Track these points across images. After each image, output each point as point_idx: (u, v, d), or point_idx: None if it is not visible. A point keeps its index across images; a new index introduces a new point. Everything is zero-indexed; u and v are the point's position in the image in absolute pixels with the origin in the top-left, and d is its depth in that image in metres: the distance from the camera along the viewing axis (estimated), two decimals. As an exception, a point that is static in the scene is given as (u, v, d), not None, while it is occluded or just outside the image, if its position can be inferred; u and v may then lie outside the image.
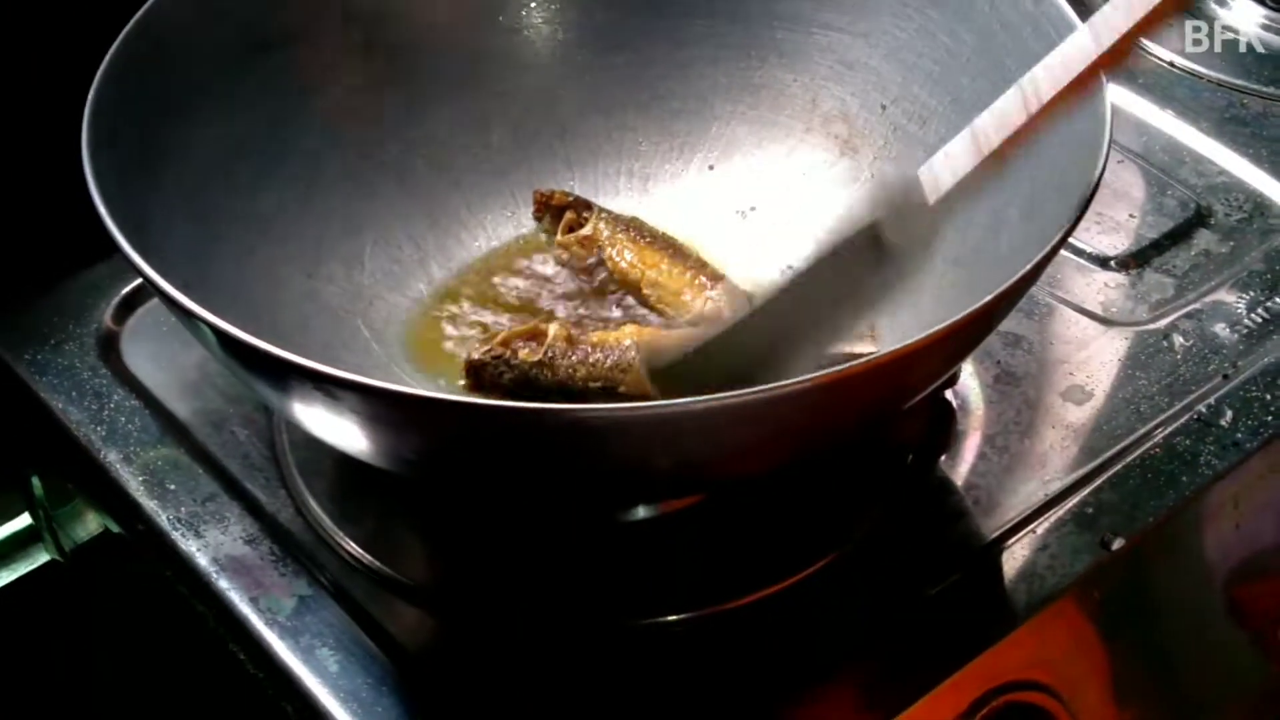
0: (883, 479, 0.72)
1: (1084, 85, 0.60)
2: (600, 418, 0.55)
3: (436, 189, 0.79)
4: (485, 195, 0.80)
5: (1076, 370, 0.76)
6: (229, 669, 0.67)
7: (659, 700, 0.63)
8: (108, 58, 0.66)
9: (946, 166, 0.62)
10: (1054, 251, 0.59)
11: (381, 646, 0.65)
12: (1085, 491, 0.70)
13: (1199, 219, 0.84)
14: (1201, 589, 0.75)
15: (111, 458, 0.73)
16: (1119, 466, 0.71)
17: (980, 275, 0.69)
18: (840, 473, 0.71)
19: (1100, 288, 0.80)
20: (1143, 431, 0.73)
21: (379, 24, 0.78)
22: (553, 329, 0.71)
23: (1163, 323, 0.78)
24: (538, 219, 0.80)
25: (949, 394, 0.74)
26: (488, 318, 0.76)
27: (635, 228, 0.78)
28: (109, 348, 0.78)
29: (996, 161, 0.61)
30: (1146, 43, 0.92)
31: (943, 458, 0.72)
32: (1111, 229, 0.83)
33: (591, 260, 0.77)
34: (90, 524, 0.80)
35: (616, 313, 0.76)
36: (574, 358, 0.70)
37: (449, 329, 0.75)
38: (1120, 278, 0.81)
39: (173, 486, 0.71)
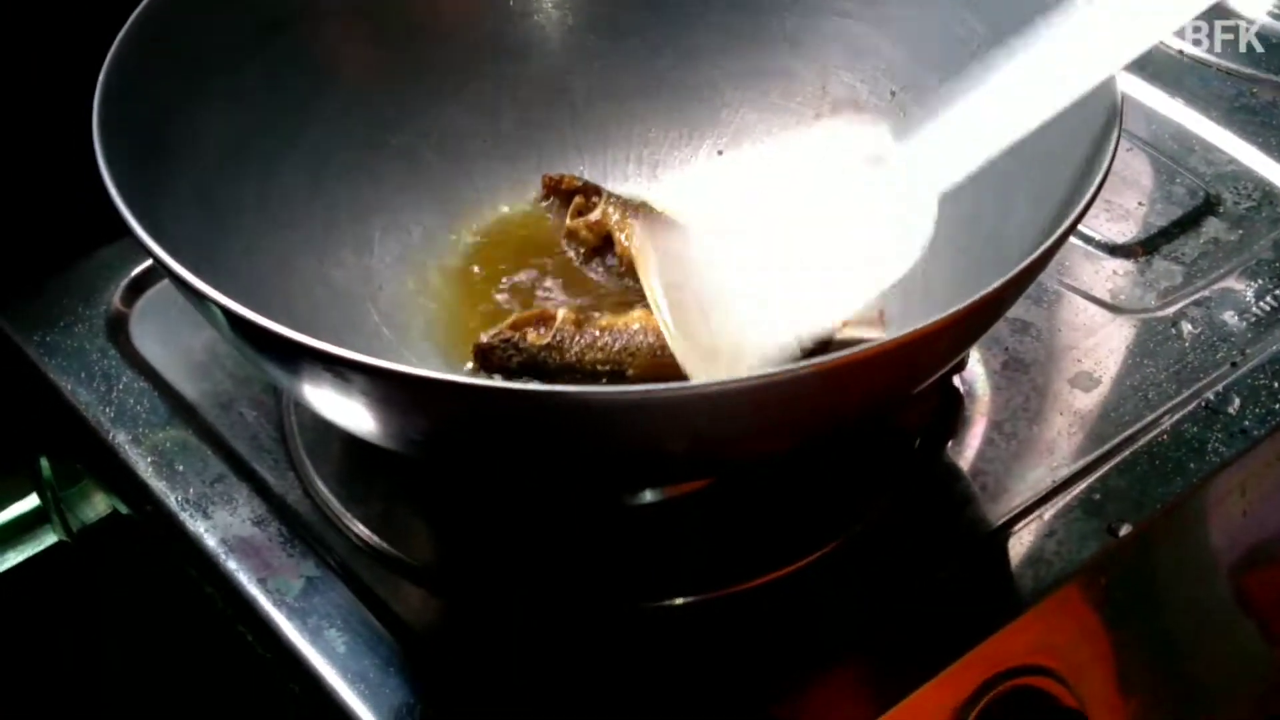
0: (890, 464, 0.72)
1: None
2: (608, 400, 0.55)
3: (446, 174, 0.79)
4: (494, 181, 0.80)
5: (1084, 357, 0.76)
6: (237, 650, 0.67)
7: (664, 682, 0.63)
8: (119, 39, 0.66)
9: None
10: (1063, 239, 0.59)
11: (389, 627, 0.65)
12: (1092, 478, 0.70)
13: (1208, 207, 0.84)
14: (1208, 576, 0.75)
15: (120, 439, 0.73)
16: (1127, 453, 0.71)
17: (989, 262, 0.69)
18: (847, 458, 0.71)
19: (1109, 275, 0.80)
20: (1151, 419, 0.73)
21: (388, 8, 0.78)
22: (561, 312, 0.71)
23: (1171, 310, 0.78)
24: (545, 202, 0.80)
25: (957, 380, 0.75)
26: (497, 300, 0.76)
27: (644, 212, 0.78)
28: (118, 329, 0.78)
29: None
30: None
31: (950, 444, 0.72)
32: (1120, 217, 0.83)
33: (600, 244, 0.77)
34: (98, 505, 0.80)
35: (625, 295, 0.76)
36: (582, 341, 0.70)
37: (459, 312, 0.75)
38: (1129, 265, 0.81)
39: (181, 468, 0.71)
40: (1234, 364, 0.75)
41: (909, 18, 0.77)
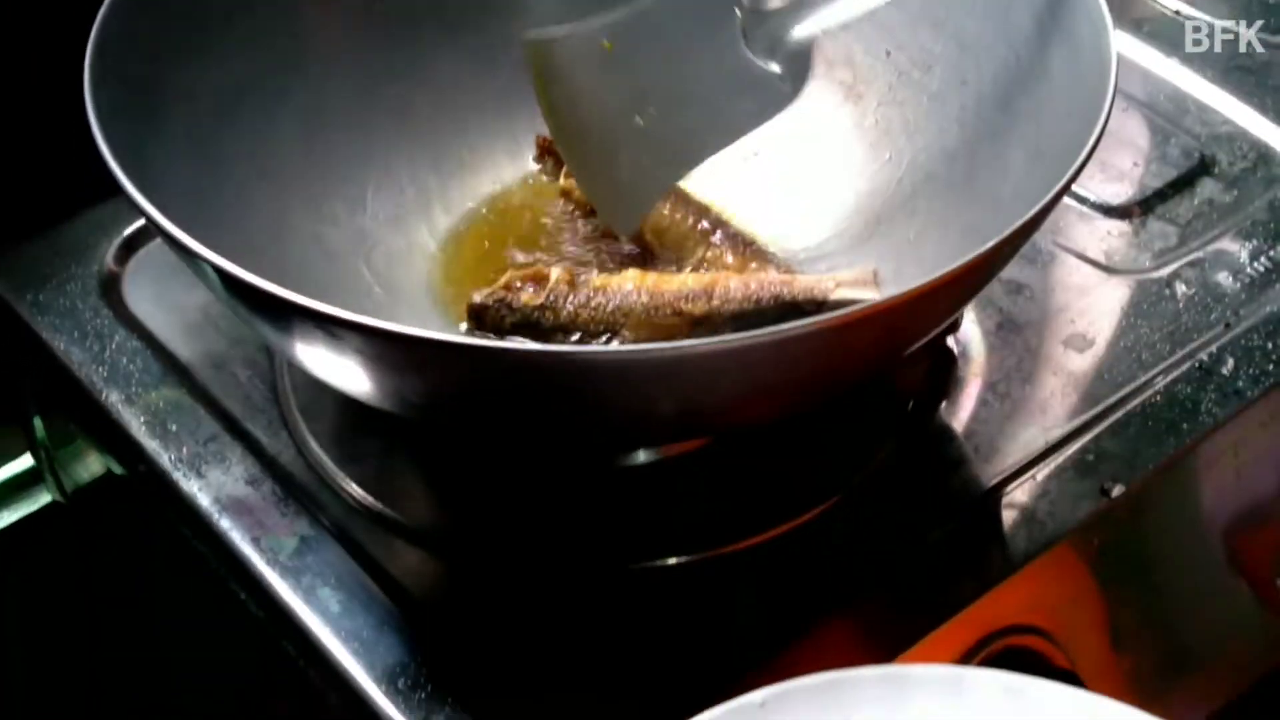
0: (883, 426, 0.72)
1: None
2: (601, 360, 0.55)
3: (440, 131, 0.79)
4: (489, 138, 0.80)
5: (1078, 318, 0.76)
6: (230, 609, 0.68)
7: (658, 642, 0.64)
8: (110, -4, 0.66)
9: None
10: (1056, 199, 0.59)
11: (383, 587, 0.65)
12: (1085, 439, 0.70)
13: (1203, 168, 0.84)
14: (1200, 537, 0.75)
15: (113, 398, 0.73)
16: (1120, 414, 0.71)
17: (983, 221, 0.69)
18: (841, 419, 0.71)
19: (1103, 236, 0.80)
20: (1144, 379, 0.73)
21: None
22: (555, 272, 0.71)
23: (1165, 271, 0.78)
24: (540, 163, 0.79)
25: (950, 341, 0.74)
26: (491, 260, 0.76)
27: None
28: (111, 289, 0.78)
29: None
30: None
31: (943, 404, 0.72)
32: (1115, 177, 0.83)
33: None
34: (92, 465, 0.80)
35: (619, 255, 0.76)
36: (576, 301, 0.70)
37: (452, 271, 0.75)
38: (1123, 226, 0.81)
39: (174, 427, 0.71)
40: (1227, 325, 0.75)
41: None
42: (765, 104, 0.74)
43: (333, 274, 0.72)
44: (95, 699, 0.91)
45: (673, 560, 0.66)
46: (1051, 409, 0.72)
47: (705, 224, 0.76)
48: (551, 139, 0.76)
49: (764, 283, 0.70)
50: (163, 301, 0.77)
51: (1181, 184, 0.83)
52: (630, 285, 0.70)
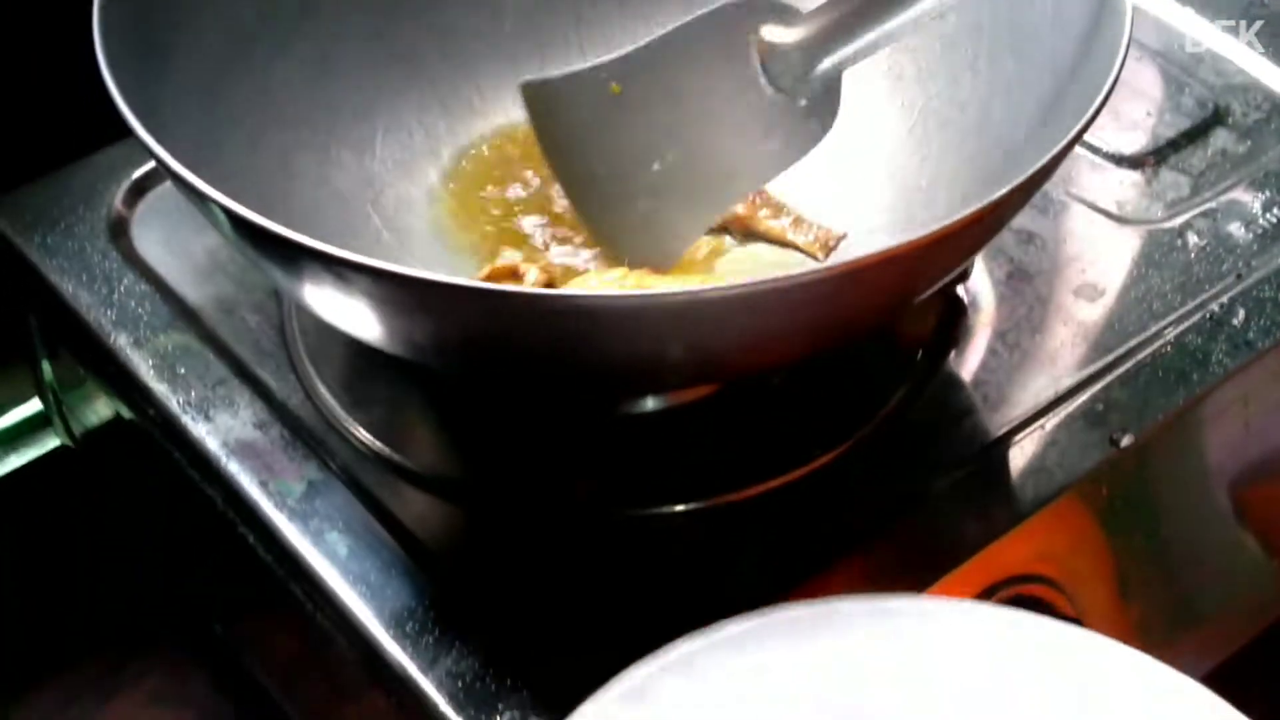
0: (892, 374, 0.72)
1: None
2: (611, 304, 0.55)
3: (449, 76, 0.78)
4: (498, 83, 0.79)
5: (1089, 268, 0.76)
6: (238, 553, 0.68)
7: (664, 587, 0.64)
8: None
9: None
10: (1068, 148, 0.58)
11: (391, 532, 0.65)
12: (1095, 388, 0.70)
13: (1217, 118, 0.83)
14: (1209, 488, 0.75)
15: (121, 342, 0.73)
16: (1130, 364, 0.71)
17: (995, 170, 0.69)
18: (849, 368, 0.71)
19: (1115, 186, 0.80)
20: (1154, 329, 0.72)
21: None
22: (531, 273, 0.70)
23: (1177, 221, 0.78)
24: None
25: (960, 290, 0.74)
26: (498, 206, 0.76)
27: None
28: (119, 232, 0.77)
29: None
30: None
31: (953, 354, 0.72)
32: (1128, 127, 0.82)
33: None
34: (101, 409, 0.80)
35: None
36: None
37: (461, 216, 0.75)
38: (1136, 176, 0.80)
39: (183, 371, 0.71)
40: (1239, 276, 0.75)
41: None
42: (793, 142, 0.72)
43: (341, 218, 0.72)
44: (100, 643, 0.91)
45: (680, 507, 0.66)
46: (1061, 359, 0.71)
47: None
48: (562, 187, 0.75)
49: None
50: (171, 245, 0.77)
51: (1195, 134, 0.82)
52: (615, 289, 0.69)
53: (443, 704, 0.60)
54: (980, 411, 0.70)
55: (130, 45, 0.62)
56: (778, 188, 0.75)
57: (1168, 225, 0.78)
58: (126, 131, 0.58)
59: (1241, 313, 0.73)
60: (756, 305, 0.55)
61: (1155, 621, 0.74)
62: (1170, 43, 0.87)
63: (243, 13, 0.71)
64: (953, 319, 0.73)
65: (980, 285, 0.75)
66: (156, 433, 0.71)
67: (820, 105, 0.72)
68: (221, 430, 0.69)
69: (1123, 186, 0.80)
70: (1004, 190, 0.56)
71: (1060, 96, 0.66)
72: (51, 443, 0.88)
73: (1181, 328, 0.73)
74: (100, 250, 0.76)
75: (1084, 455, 0.68)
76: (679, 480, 0.67)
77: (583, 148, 0.74)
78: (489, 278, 0.70)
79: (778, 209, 0.74)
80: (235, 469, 0.68)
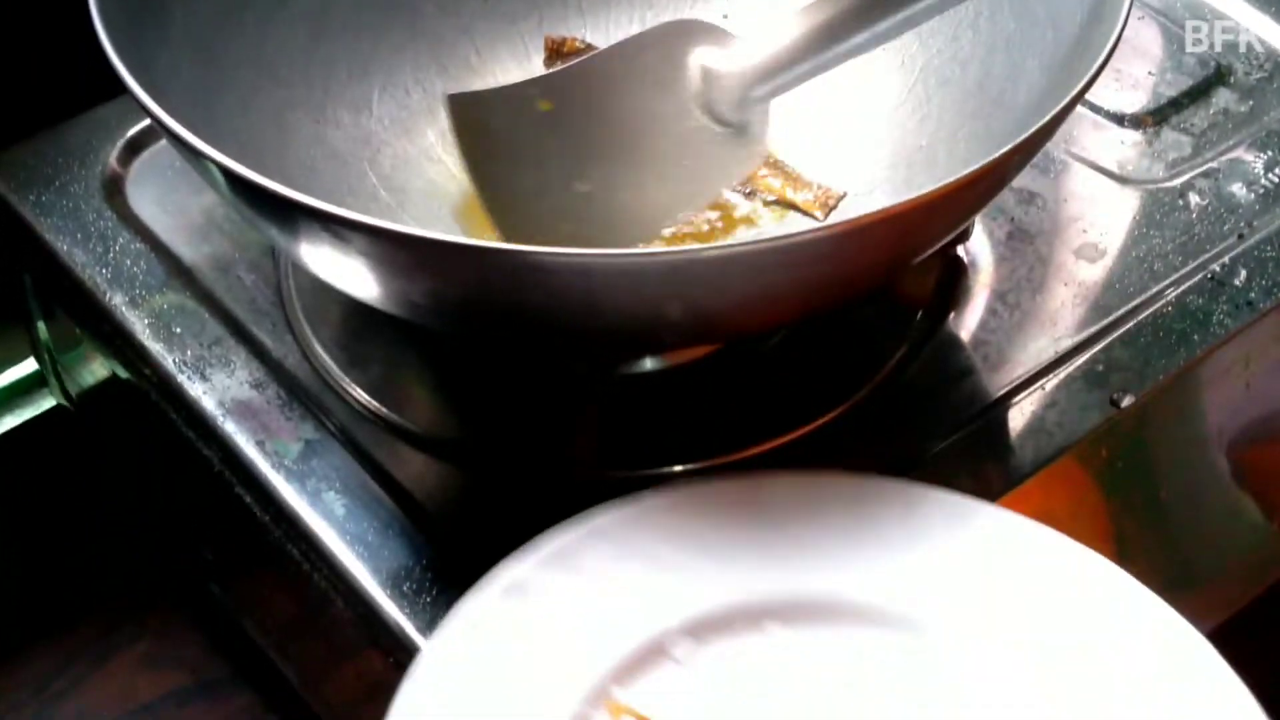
0: (892, 335, 0.71)
1: None
2: (609, 262, 0.55)
3: (446, 34, 0.78)
4: (495, 41, 0.79)
5: (1090, 228, 0.75)
6: (235, 513, 0.68)
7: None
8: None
9: None
10: (1070, 108, 0.58)
11: (388, 491, 0.65)
12: (1096, 349, 0.70)
13: (1218, 77, 0.83)
14: (1209, 449, 0.75)
15: (117, 301, 0.72)
16: (1130, 324, 0.71)
17: (996, 128, 0.68)
18: (849, 328, 0.70)
19: (1116, 145, 0.79)
20: (1155, 290, 0.72)
21: None
22: None
23: (1179, 181, 0.77)
24: (548, 66, 0.78)
25: (961, 250, 0.74)
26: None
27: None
28: (114, 190, 0.77)
29: None
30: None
31: (952, 314, 0.72)
32: (1130, 86, 0.82)
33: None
34: (96, 369, 0.80)
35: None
36: None
37: (457, 176, 0.75)
38: (1137, 135, 0.80)
39: (179, 330, 0.71)
40: (1241, 236, 0.75)
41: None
42: (722, 170, 0.72)
43: (337, 177, 0.72)
44: (96, 605, 0.91)
45: (678, 468, 0.66)
46: (1062, 319, 0.71)
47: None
48: (480, 200, 0.73)
49: None
50: (167, 203, 0.77)
51: (1196, 93, 0.82)
52: None
53: (440, 664, 0.60)
54: (980, 372, 0.70)
55: (125, 2, 0.62)
56: (778, 146, 0.75)
57: (1169, 185, 0.77)
58: (121, 89, 0.57)
59: (1243, 273, 0.73)
60: (755, 264, 0.55)
61: (1154, 583, 0.73)
62: (1172, 1, 0.86)
63: (238, -31, 0.70)
64: (953, 279, 0.73)
65: (980, 245, 0.75)
66: (153, 393, 0.71)
67: (750, 132, 0.73)
68: (218, 390, 0.69)
69: (1124, 146, 0.79)
70: (1005, 149, 0.56)
71: (1062, 55, 0.66)
72: (47, 403, 0.88)
73: (1183, 288, 0.72)
74: (95, 209, 0.76)
75: (1084, 416, 0.67)
76: (677, 441, 0.67)
77: (508, 164, 0.73)
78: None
79: (778, 167, 0.74)
80: (232, 429, 0.67)
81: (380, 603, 0.61)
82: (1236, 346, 0.71)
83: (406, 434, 0.67)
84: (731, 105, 0.72)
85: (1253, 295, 0.72)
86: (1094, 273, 0.73)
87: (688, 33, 0.73)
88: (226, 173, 0.55)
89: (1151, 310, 0.71)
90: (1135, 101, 0.81)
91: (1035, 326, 0.71)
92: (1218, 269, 0.73)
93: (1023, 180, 0.76)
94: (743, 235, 0.72)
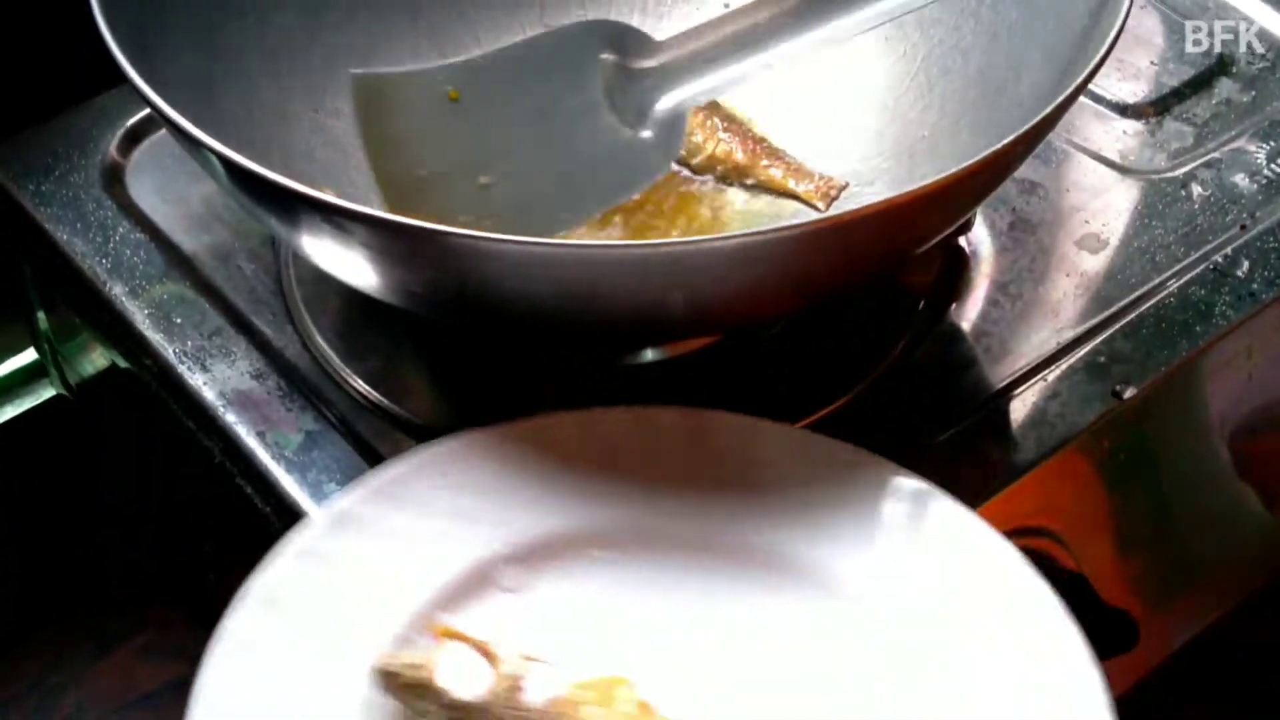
0: (894, 326, 0.71)
1: None
2: (613, 255, 0.55)
3: (446, 23, 0.77)
4: (496, 30, 0.78)
5: (1092, 218, 0.75)
6: (236, 504, 0.67)
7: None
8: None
9: None
10: (1073, 98, 0.58)
11: (388, 482, 0.65)
12: (1098, 340, 0.70)
13: (1221, 67, 0.82)
14: (1212, 441, 0.74)
15: (117, 291, 0.72)
16: (1133, 315, 0.71)
17: (998, 118, 0.68)
18: (851, 319, 0.70)
19: (1118, 135, 0.79)
20: (1158, 281, 0.72)
21: None
22: None
23: (1181, 172, 0.77)
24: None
25: (963, 241, 0.74)
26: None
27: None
28: (114, 179, 0.77)
29: None
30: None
31: (954, 305, 0.72)
32: (1132, 76, 0.82)
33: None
34: (97, 359, 0.80)
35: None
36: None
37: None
38: (1139, 125, 0.80)
39: (179, 320, 0.71)
40: (1243, 226, 0.74)
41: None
42: (629, 174, 0.71)
43: (338, 167, 0.72)
44: (95, 595, 0.91)
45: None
46: (1064, 310, 0.71)
47: (715, 120, 0.75)
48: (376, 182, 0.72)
49: None
50: (166, 193, 0.76)
51: (1199, 83, 0.82)
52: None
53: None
54: (982, 363, 0.70)
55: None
56: (778, 135, 0.75)
57: (1171, 175, 0.77)
58: (121, 78, 0.57)
59: (1246, 264, 0.73)
60: (756, 255, 0.55)
61: (1157, 574, 0.74)
62: (1174, -10, 0.87)
63: (237, -42, 0.70)
64: (954, 270, 0.73)
65: (982, 236, 0.74)
66: (153, 383, 0.70)
67: (662, 139, 0.72)
68: (218, 380, 0.68)
69: (1126, 136, 0.79)
70: (1007, 140, 0.56)
71: (1064, 44, 0.66)
72: (47, 393, 0.88)
73: (1185, 279, 0.72)
74: (95, 198, 0.76)
75: (1086, 407, 0.67)
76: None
77: (408, 150, 0.72)
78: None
79: (779, 157, 0.74)
80: (232, 419, 0.67)
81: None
82: (1239, 338, 0.71)
83: (408, 425, 0.67)
84: (642, 109, 0.72)
85: (1255, 286, 0.72)
86: (1096, 263, 0.73)
87: (603, 33, 0.73)
88: (226, 163, 0.54)
89: (1154, 301, 0.71)
90: (1137, 91, 0.81)
91: (1037, 317, 0.71)
92: (1220, 260, 0.73)
93: (1024, 170, 0.76)
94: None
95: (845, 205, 0.72)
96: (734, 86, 0.70)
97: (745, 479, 0.61)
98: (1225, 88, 0.81)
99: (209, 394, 0.68)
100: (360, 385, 0.68)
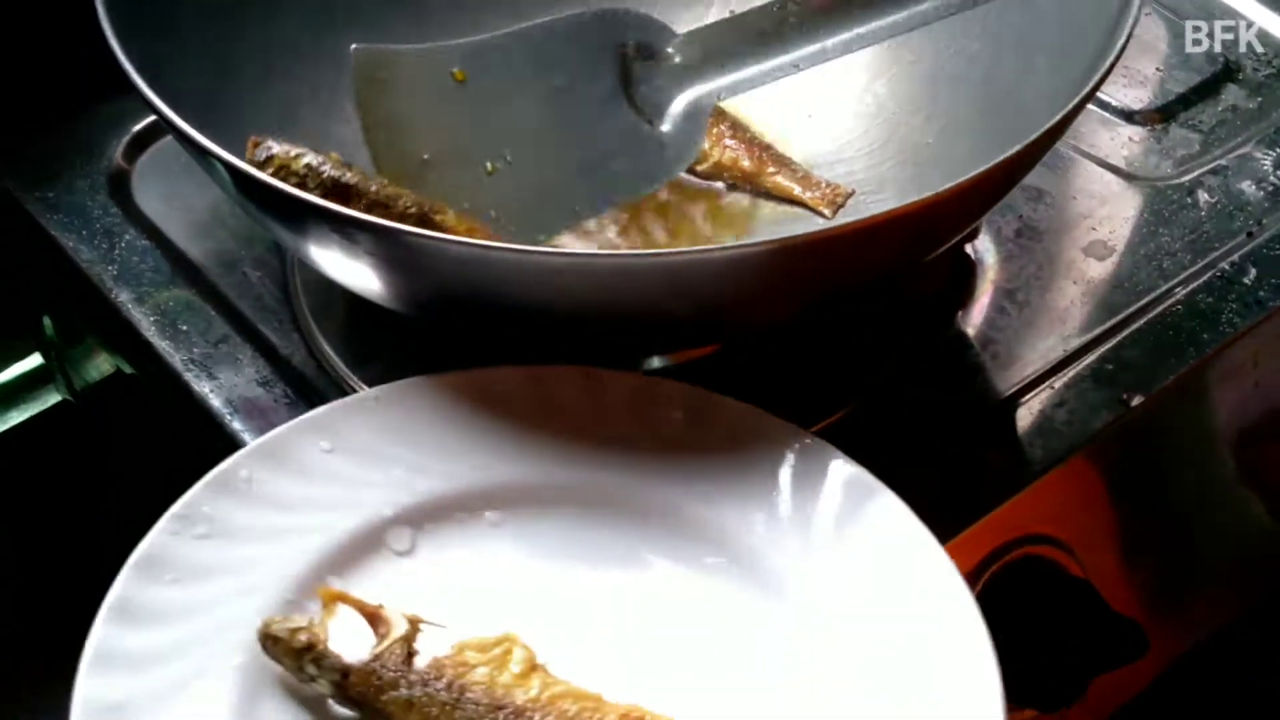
0: (900, 333, 0.71)
1: None
2: (620, 264, 0.55)
3: (454, 28, 0.77)
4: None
5: (1099, 225, 0.75)
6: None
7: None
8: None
9: None
10: (1082, 105, 0.58)
11: (395, 490, 0.65)
12: (1105, 348, 0.70)
13: (1227, 74, 0.82)
14: (1219, 448, 0.74)
15: (123, 298, 0.72)
16: (1140, 323, 0.71)
17: (1005, 126, 0.68)
18: (857, 326, 0.70)
19: (1125, 142, 0.79)
20: (1164, 288, 0.72)
21: None
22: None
23: (1187, 178, 0.77)
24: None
25: (969, 248, 0.74)
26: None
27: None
28: (120, 186, 0.77)
29: None
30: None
31: (961, 312, 0.72)
32: (1138, 83, 0.82)
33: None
34: (102, 364, 0.80)
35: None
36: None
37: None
38: (1145, 132, 0.80)
39: (185, 327, 0.71)
40: (1250, 234, 0.74)
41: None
42: (644, 170, 0.70)
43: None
44: (100, 597, 0.91)
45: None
46: (1070, 317, 0.71)
47: (721, 126, 0.75)
48: (374, 163, 0.70)
49: None
50: (172, 200, 0.76)
51: (1205, 90, 0.82)
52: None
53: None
54: (989, 370, 0.69)
55: (132, -1, 0.62)
56: (784, 142, 0.74)
57: (1178, 182, 0.77)
58: (126, 85, 0.57)
59: (1253, 271, 0.73)
60: (762, 264, 0.55)
61: (1164, 582, 0.74)
62: (1181, -2, 0.86)
63: (244, -35, 0.70)
64: (961, 277, 0.73)
65: (988, 243, 0.74)
66: (159, 390, 0.70)
67: (680, 136, 0.70)
68: (225, 388, 0.68)
69: (1132, 143, 0.79)
70: (1015, 149, 0.56)
71: (1070, 52, 0.66)
72: (52, 398, 0.88)
73: (1192, 286, 0.72)
74: (100, 205, 0.76)
75: (1093, 415, 0.67)
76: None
77: (411, 130, 0.70)
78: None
79: (785, 164, 0.74)
80: (239, 427, 0.67)
81: (388, 602, 0.61)
82: (1246, 345, 0.71)
83: (413, 432, 0.67)
84: (660, 103, 0.70)
85: (1262, 293, 0.72)
86: (1103, 270, 0.73)
87: (622, 21, 0.71)
88: (233, 171, 0.54)
89: (1161, 309, 0.71)
90: (1143, 97, 0.81)
91: (1044, 324, 0.71)
92: (1227, 267, 0.73)
93: (1031, 177, 0.75)
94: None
95: (851, 213, 0.72)
96: (756, 85, 0.69)
97: (639, 439, 0.60)
98: (1232, 94, 0.81)
99: (215, 401, 0.68)
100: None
